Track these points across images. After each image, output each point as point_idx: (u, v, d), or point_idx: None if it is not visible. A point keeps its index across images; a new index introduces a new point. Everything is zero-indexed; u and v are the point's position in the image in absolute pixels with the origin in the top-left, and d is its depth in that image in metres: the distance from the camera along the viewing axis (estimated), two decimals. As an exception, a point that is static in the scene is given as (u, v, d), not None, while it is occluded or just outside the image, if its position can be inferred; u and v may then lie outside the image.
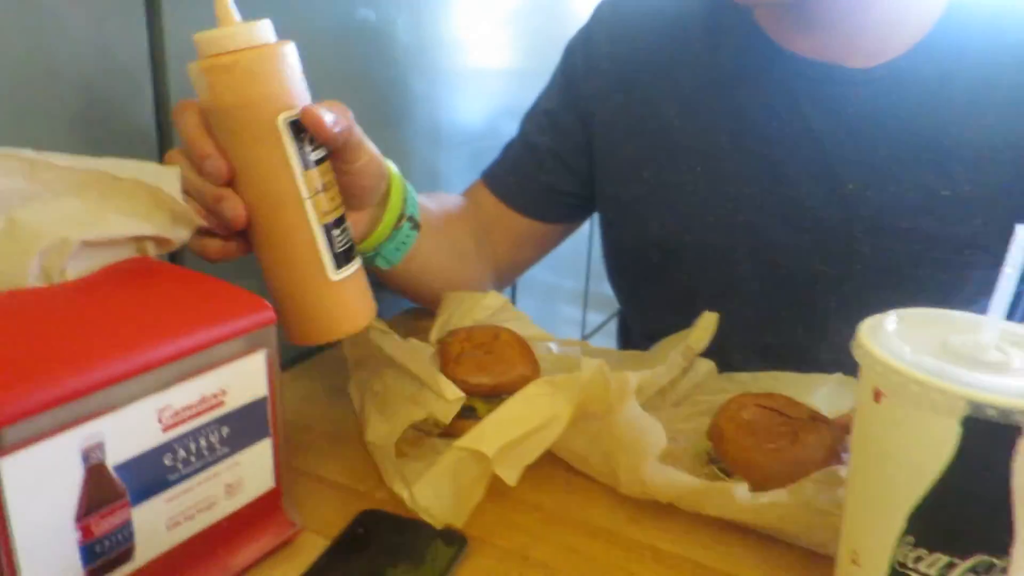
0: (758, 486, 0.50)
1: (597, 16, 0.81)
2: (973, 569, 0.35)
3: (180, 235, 0.44)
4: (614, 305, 0.93)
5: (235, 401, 0.42)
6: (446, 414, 0.51)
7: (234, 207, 0.48)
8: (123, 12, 0.54)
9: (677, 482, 0.48)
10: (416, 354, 0.55)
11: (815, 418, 0.54)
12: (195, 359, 0.39)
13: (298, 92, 0.48)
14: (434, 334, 0.68)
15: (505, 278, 0.86)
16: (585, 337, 1.49)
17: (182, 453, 0.39)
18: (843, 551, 0.41)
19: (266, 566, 0.45)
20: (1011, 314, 0.43)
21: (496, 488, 0.49)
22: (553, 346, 0.72)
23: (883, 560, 0.37)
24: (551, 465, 0.54)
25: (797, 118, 0.68)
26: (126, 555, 0.38)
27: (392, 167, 0.62)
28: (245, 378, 0.42)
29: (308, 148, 0.48)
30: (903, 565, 0.36)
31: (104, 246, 0.41)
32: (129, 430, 0.36)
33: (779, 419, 0.53)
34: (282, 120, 0.47)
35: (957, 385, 0.34)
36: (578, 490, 0.54)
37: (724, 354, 0.67)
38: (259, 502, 0.44)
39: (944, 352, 0.37)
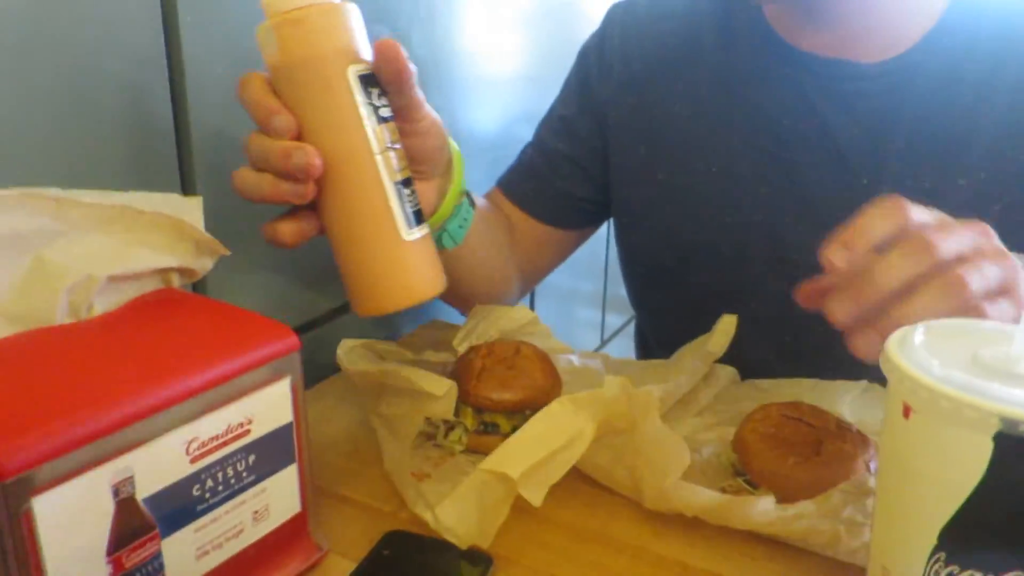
0: (785, 498, 0.50)
1: (609, 19, 0.81)
2: (1008, 586, 0.35)
3: (204, 265, 0.45)
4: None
5: (261, 429, 0.42)
6: (445, 409, 0.51)
7: (307, 154, 0.46)
8: (140, 29, 0.55)
9: (701, 498, 0.48)
10: (401, 367, 0.55)
11: (841, 427, 0.53)
12: (221, 390, 0.39)
13: (366, 49, 0.48)
14: (459, 342, 0.68)
15: (527, 283, 0.86)
16: (604, 340, 1.49)
17: (210, 483, 0.39)
18: (874, 565, 0.40)
19: (294, 590, 0.45)
20: None
21: (520, 505, 0.49)
22: (574, 359, 0.72)
23: (915, 576, 0.37)
24: (575, 480, 0.54)
25: (810, 115, 0.68)
26: (158, 586, 0.38)
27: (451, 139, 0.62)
28: (271, 405, 0.42)
29: (378, 103, 0.48)
30: (936, 582, 0.36)
31: (130, 279, 0.41)
32: (158, 463, 0.37)
33: (804, 429, 0.53)
34: (352, 72, 0.47)
35: (989, 400, 0.33)
36: (602, 505, 0.54)
37: (742, 355, 0.67)
38: (286, 527, 0.45)
39: (974, 365, 0.36)
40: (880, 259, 0.45)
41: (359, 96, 0.47)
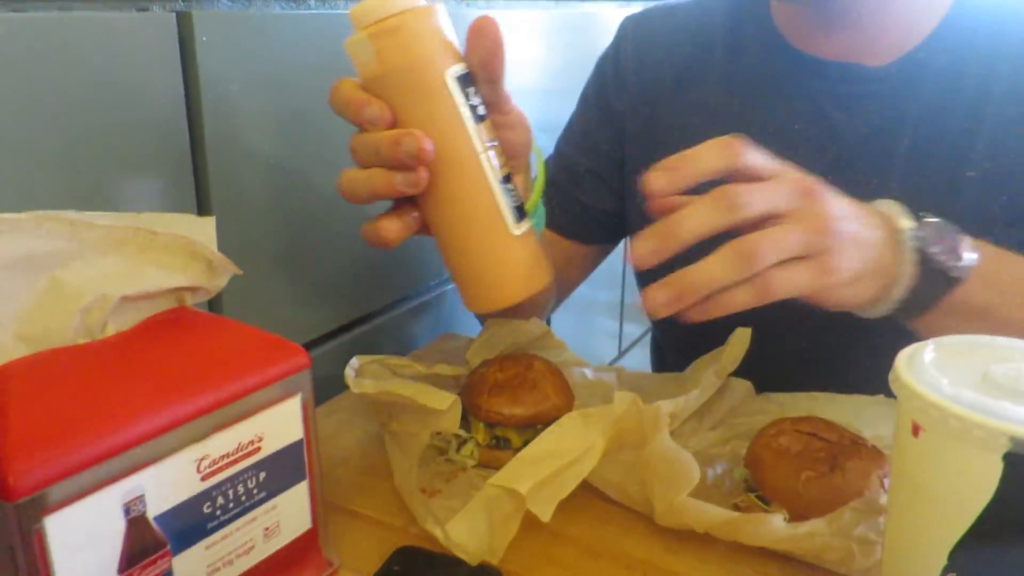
0: (798, 515, 0.49)
1: (622, 33, 0.82)
2: (1020, 608, 0.34)
3: (217, 284, 0.45)
4: (650, 318, 0.93)
5: (272, 446, 0.42)
6: (450, 423, 0.51)
7: (417, 139, 0.46)
8: (156, 49, 0.56)
9: (711, 514, 0.47)
10: (405, 384, 0.55)
11: (856, 442, 0.53)
12: (232, 408, 0.40)
13: (456, 49, 0.48)
14: (473, 355, 0.68)
15: (557, 299, 0.86)
16: (622, 351, 1.49)
17: (220, 500, 0.40)
18: (886, 584, 0.40)
19: (306, 606, 0.45)
20: None
21: (531, 521, 0.49)
22: (588, 372, 0.72)
23: (926, 596, 0.36)
24: (586, 495, 0.54)
25: (818, 119, 0.69)
26: (169, 603, 0.38)
27: None
28: (281, 423, 0.43)
29: (474, 101, 0.48)
30: (947, 602, 0.36)
31: (144, 299, 0.42)
32: (169, 481, 0.37)
33: (818, 444, 0.53)
34: (451, 75, 0.47)
35: (998, 420, 0.33)
36: (613, 520, 0.54)
37: (758, 364, 0.66)
38: (297, 543, 0.45)
39: (985, 383, 0.36)
40: (685, 206, 0.45)
41: (459, 98, 0.48)
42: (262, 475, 0.42)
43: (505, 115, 0.53)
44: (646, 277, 0.84)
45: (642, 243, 0.46)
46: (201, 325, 0.44)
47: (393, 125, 0.48)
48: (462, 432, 0.58)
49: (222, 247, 0.62)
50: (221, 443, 0.39)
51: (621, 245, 0.97)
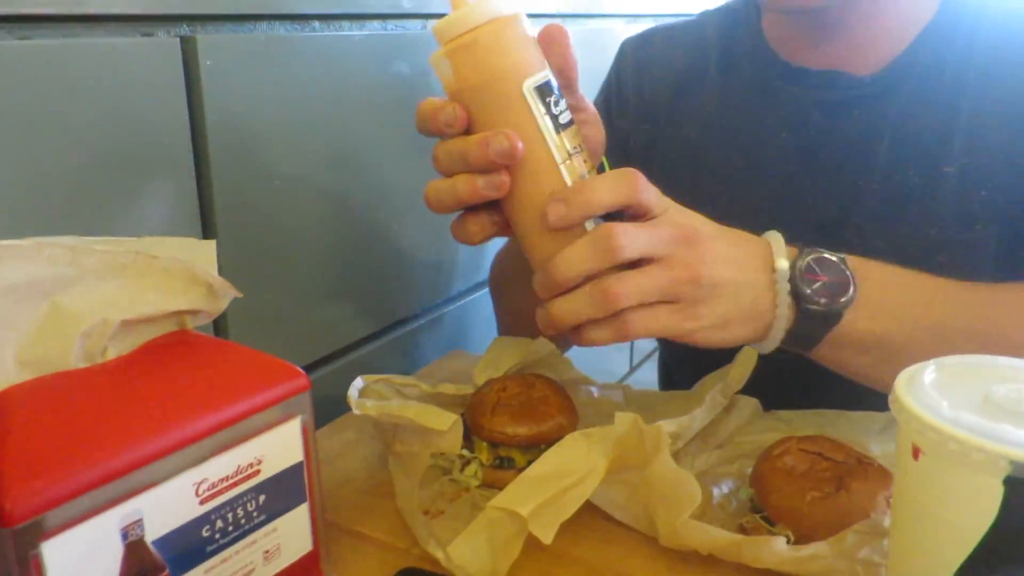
0: (803, 536, 0.49)
1: (622, 54, 0.85)
2: (1024, 634, 0.33)
3: (218, 307, 0.46)
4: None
5: (271, 468, 0.42)
6: (451, 444, 0.51)
7: (507, 136, 0.46)
8: (160, 72, 0.56)
9: (713, 536, 0.47)
10: (406, 405, 0.55)
11: (862, 462, 0.52)
12: (231, 431, 0.40)
13: (537, 57, 0.48)
14: (479, 373, 0.68)
15: None
16: (634, 365, 1.48)
17: (220, 524, 0.40)
18: (890, 608, 0.39)
19: (307, 629, 0.45)
20: None
21: (535, 542, 0.48)
22: (595, 390, 0.72)
23: (930, 621, 0.36)
24: (590, 516, 0.54)
25: (806, 126, 0.70)
26: (168, 627, 0.38)
27: None
28: (281, 445, 0.43)
29: (556, 110, 0.48)
30: (950, 627, 0.35)
31: (144, 323, 0.43)
32: (167, 505, 0.37)
33: (824, 464, 0.52)
34: (527, 87, 0.47)
35: (998, 443, 0.32)
36: (616, 540, 0.53)
37: (763, 381, 0.66)
38: (297, 566, 0.45)
39: (986, 405, 0.36)
40: (567, 247, 0.47)
41: (537, 109, 0.47)
42: (262, 498, 0.42)
43: (583, 112, 0.55)
44: None
45: (536, 278, 0.49)
46: (201, 348, 0.44)
47: (467, 127, 0.48)
48: (465, 452, 0.58)
49: (227, 269, 0.63)
50: (220, 466, 0.40)
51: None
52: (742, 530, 0.52)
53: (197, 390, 0.41)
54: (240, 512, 0.41)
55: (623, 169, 0.48)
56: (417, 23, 0.81)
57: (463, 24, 0.46)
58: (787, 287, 0.51)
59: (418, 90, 0.79)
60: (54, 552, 0.33)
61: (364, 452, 0.64)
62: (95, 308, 0.40)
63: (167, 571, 0.38)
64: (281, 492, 0.43)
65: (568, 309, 0.47)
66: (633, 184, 0.47)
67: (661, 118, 0.78)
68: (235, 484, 0.41)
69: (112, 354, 0.41)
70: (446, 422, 0.51)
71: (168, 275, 0.43)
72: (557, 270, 0.47)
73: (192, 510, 0.39)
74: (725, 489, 0.58)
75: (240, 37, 0.62)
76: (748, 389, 0.65)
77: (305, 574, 0.46)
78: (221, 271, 0.62)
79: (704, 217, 0.52)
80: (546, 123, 0.47)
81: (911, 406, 0.35)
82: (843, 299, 0.51)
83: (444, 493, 0.57)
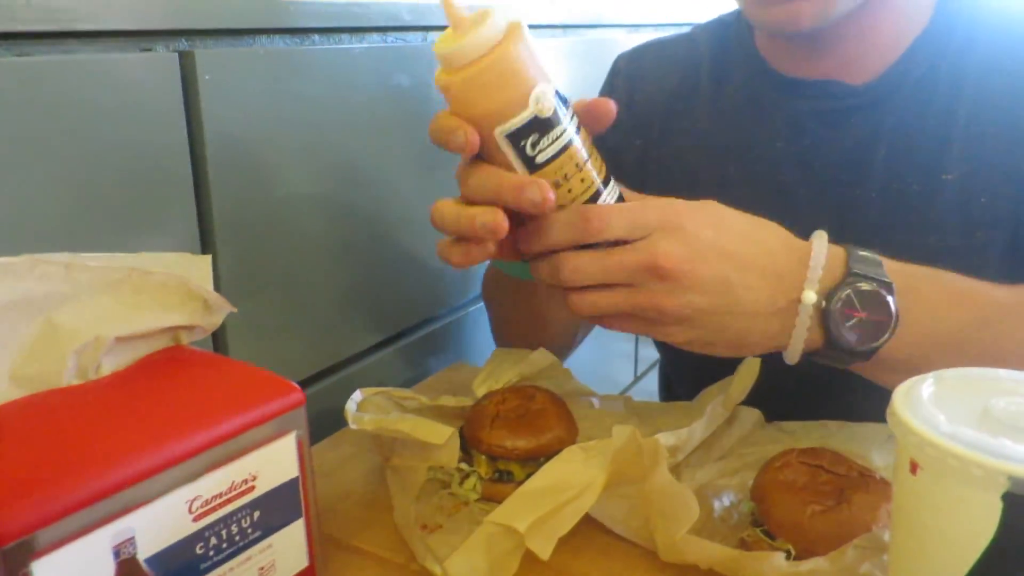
0: (804, 550, 0.48)
1: (614, 70, 0.85)
2: (1025, 652, 0.33)
3: (213, 322, 0.46)
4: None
5: (266, 484, 0.42)
6: (448, 458, 0.51)
7: (538, 190, 0.46)
8: (159, 88, 0.57)
9: (712, 551, 0.46)
10: (403, 419, 0.55)
11: (864, 475, 0.52)
12: (225, 447, 0.40)
13: (518, 95, 0.46)
14: (479, 385, 0.68)
15: (574, 341, 0.85)
16: (638, 374, 1.47)
17: (214, 541, 0.40)
18: (891, 625, 0.39)
19: (303, 646, 0.45)
20: None
21: (533, 556, 0.48)
22: (595, 401, 0.71)
23: (929, 638, 0.35)
24: (589, 529, 0.53)
25: (801, 136, 0.70)
26: (162, 645, 0.38)
27: None
28: (276, 461, 0.43)
29: (533, 152, 0.47)
30: (950, 645, 0.35)
31: (139, 339, 0.43)
32: (160, 523, 0.37)
33: (824, 477, 0.52)
34: (499, 133, 0.46)
35: (996, 459, 0.32)
36: (616, 555, 0.53)
37: (765, 392, 0.65)
38: (294, 582, 0.45)
39: (985, 419, 0.35)
40: (575, 256, 0.48)
41: (510, 153, 0.47)
42: (256, 514, 0.42)
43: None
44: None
45: (541, 267, 0.50)
46: (196, 364, 0.44)
47: (477, 151, 0.48)
48: (464, 466, 0.58)
49: (227, 282, 0.63)
50: (213, 483, 0.39)
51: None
52: (743, 544, 0.52)
53: (191, 406, 0.41)
54: (234, 528, 0.41)
55: (578, 207, 0.48)
56: (417, 35, 0.81)
57: (448, 61, 0.46)
58: (808, 322, 0.49)
59: (419, 102, 0.80)
60: (45, 571, 0.33)
61: (363, 465, 0.63)
62: (89, 325, 0.40)
63: (160, 589, 0.38)
64: (276, 508, 0.43)
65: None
66: (591, 223, 0.47)
67: (654, 133, 0.78)
68: (229, 500, 0.40)
69: (107, 370, 0.41)
70: (442, 435, 0.50)
71: (163, 291, 0.43)
72: (566, 275, 0.49)
73: (185, 527, 0.38)
74: (727, 501, 0.58)
75: (239, 51, 0.63)
76: (750, 400, 0.64)
77: (301, 590, 0.45)
78: (221, 284, 0.63)
79: (723, 229, 0.50)
80: (519, 166, 0.47)
81: (908, 421, 0.35)
82: (879, 340, 0.49)
83: (443, 507, 0.57)
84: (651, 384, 1.48)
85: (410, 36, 0.80)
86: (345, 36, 0.73)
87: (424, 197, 0.82)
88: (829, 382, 0.71)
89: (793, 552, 0.48)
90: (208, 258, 0.46)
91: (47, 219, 0.52)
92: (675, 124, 0.77)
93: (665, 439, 0.51)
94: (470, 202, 0.48)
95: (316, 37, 0.70)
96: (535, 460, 0.57)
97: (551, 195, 0.46)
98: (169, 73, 0.57)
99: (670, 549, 0.49)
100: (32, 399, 0.38)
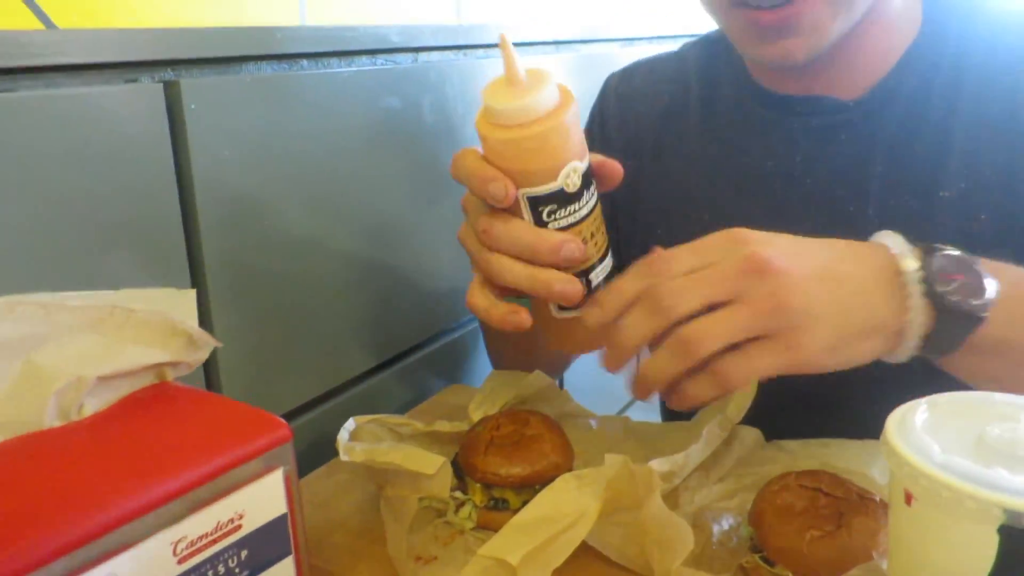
0: (804, 576, 0.47)
1: (605, 90, 0.85)
2: None
3: (198, 357, 0.45)
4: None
5: (253, 523, 0.42)
6: (439, 488, 0.51)
7: (576, 248, 0.48)
8: (144, 118, 0.56)
9: (710, 582, 0.46)
10: (394, 449, 0.55)
11: (863, 497, 0.51)
12: (210, 487, 0.39)
13: (548, 166, 0.48)
14: (475, 409, 0.67)
15: (571, 358, 0.85)
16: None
17: (199, 583, 0.39)
18: (891, 657, 0.38)
19: None
20: None
21: (529, 588, 0.47)
22: (593, 423, 0.71)
23: (929, 676, 0.34)
24: (585, 557, 0.52)
25: (793, 153, 0.70)
26: None
27: None
28: (263, 498, 0.42)
29: (548, 219, 0.49)
30: None
31: (122, 377, 0.42)
32: (144, 566, 0.36)
33: (823, 500, 0.51)
34: (522, 194, 0.48)
35: (990, 491, 0.31)
36: (615, 584, 0.52)
37: (765, 410, 0.65)
38: (284, 620, 0.44)
39: (979, 448, 0.34)
40: (621, 321, 0.46)
41: (527, 213, 0.49)
42: (244, 553, 0.41)
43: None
44: None
45: (605, 361, 0.48)
46: (180, 401, 0.44)
47: (513, 204, 0.49)
48: (459, 494, 0.57)
49: (219, 314, 0.62)
50: (199, 524, 0.39)
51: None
52: (742, 571, 0.51)
53: (174, 445, 0.40)
54: (221, 569, 0.40)
55: (644, 261, 0.47)
56: (407, 56, 0.81)
57: (497, 115, 0.47)
58: (920, 288, 0.46)
59: (410, 123, 0.79)
60: (23, 622, 0.32)
61: (357, 495, 0.63)
62: (70, 365, 0.39)
63: (144, 634, 0.37)
64: (265, 546, 0.42)
65: (655, 368, 0.45)
66: (659, 263, 0.46)
67: (646, 153, 0.78)
68: (215, 541, 0.40)
69: (89, 411, 0.41)
70: (433, 465, 0.50)
71: (147, 328, 0.43)
72: (622, 344, 0.46)
73: (170, 570, 0.38)
74: (725, 525, 0.57)
75: (226, 79, 0.62)
76: (749, 418, 0.64)
77: (292, 628, 0.45)
78: (212, 316, 0.62)
79: (790, 236, 0.48)
80: (531, 223, 0.49)
81: (902, 450, 0.34)
82: (981, 300, 0.47)
83: (438, 536, 0.56)
84: (653, 398, 1.47)
85: (400, 58, 0.79)
86: (334, 60, 0.73)
87: (417, 220, 0.82)
88: (828, 398, 0.70)
89: (792, 579, 0.48)
90: (192, 292, 0.45)
91: (32, 256, 0.51)
92: (667, 143, 0.77)
93: (660, 465, 0.50)
94: (494, 249, 0.50)
95: (304, 62, 0.70)
96: (531, 487, 0.56)
97: (584, 246, 0.49)
98: (154, 104, 0.57)
99: (667, 577, 0.48)
100: (11, 443, 0.38)
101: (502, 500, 0.57)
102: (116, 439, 0.40)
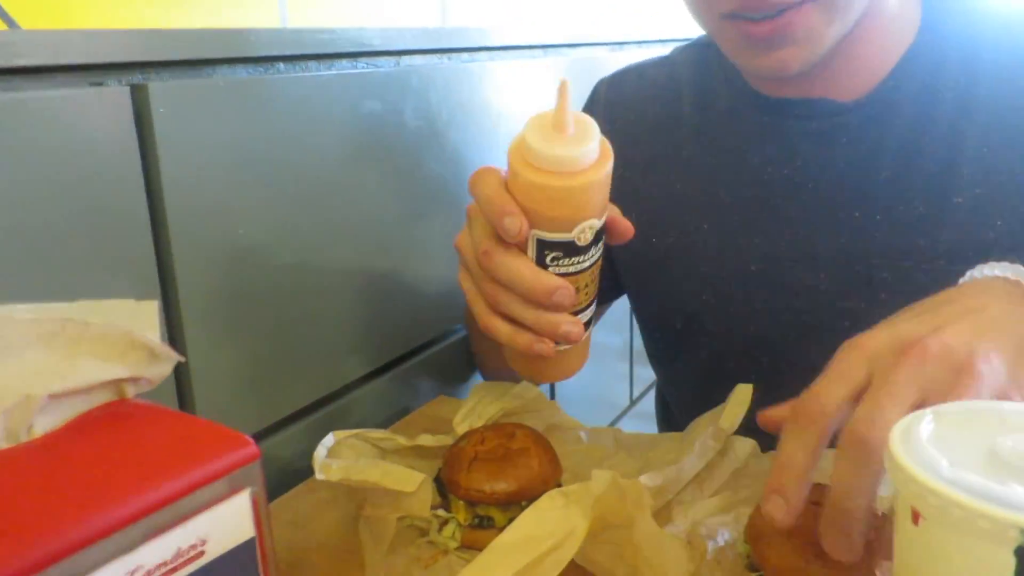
0: (804, 597, 0.45)
1: (594, 95, 0.83)
2: None
3: (160, 372, 0.42)
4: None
5: (218, 548, 0.39)
6: (420, 507, 0.49)
7: (570, 294, 0.50)
8: (113, 139, 0.54)
9: (705, 606, 0.43)
10: (371, 465, 0.53)
11: (865, 511, 0.48)
12: (168, 511, 0.37)
13: (567, 218, 0.49)
14: (460, 422, 0.65)
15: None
16: (634, 397, 1.44)
17: (158, 615, 0.36)
18: None
19: None
20: None
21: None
22: (584, 435, 0.68)
23: None
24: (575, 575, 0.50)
25: (792, 158, 0.68)
26: None
27: None
28: (228, 522, 0.40)
29: (550, 264, 0.51)
30: None
31: (77, 395, 0.39)
32: (95, 599, 0.34)
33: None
34: (533, 235, 0.50)
35: (1006, 509, 0.29)
36: (606, 606, 0.49)
37: (755, 416, 0.63)
38: (253, 651, 0.41)
39: (991, 461, 0.32)
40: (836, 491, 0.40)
41: (531, 252, 0.51)
42: (207, 581, 0.39)
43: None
44: (652, 338, 0.82)
45: (834, 550, 0.42)
46: (139, 419, 0.41)
47: (524, 240, 0.50)
48: (442, 512, 0.55)
49: (191, 328, 0.60)
50: (156, 551, 0.36)
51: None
52: (738, 591, 0.49)
53: (130, 466, 0.37)
54: (182, 599, 0.38)
55: (797, 429, 0.43)
56: (389, 60, 0.79)
57: (533, 155, 0.48)
58: None
59: (391, 129, 0.77)
60: (-44, 665, 0.30)
61: (338, 513, 0.60)
62: (18, 382, 0.37)
63: (96, 672, 0.34)
64: (230, 573, 0.40)
65: (843, 486, 0.40)
66: (811, 427, 0.42)
67: (635, 160, 0.76)
68: (175, 569, 0.37)
69: (39, 431, 0.38)
70: (413, 482, 0.47)
71: (104, 341, 0.40)
72: (844, 507, 0.40)
73: (124, 603, 0.35)
74: (721, 541, 0.55)
75: (197, 83, 0.60)
76: (744, 429, 0.61)
77: (261, 660, 0.42)
78: (184, 328, 0.60)
79: (933, 307, 0.45)
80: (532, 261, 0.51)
81: (907, 466, 0.32)
82: None
83: (420, 558, 0.54)
84: (648, 406, 1.45)
85: (381, 61, 0.77)
86: (312, 64, 0.70)
87: (398, 229, 0.80)
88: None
89: (790, 601, 0.45)
90: (154, 304, 0.43)
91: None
92: (660, 152, 0.75)
93: (651, 480, 0.48)
94: (487, 271, 0.51)
95: (281, 65, 0.68)
96: (517, 504, 0.54)
97: (575, 290, 0.51)
98: (121, 109, 0.54)
99: (660, 600, 0.46)
100: (-49, 468, 0.35)
101: (487, 518, 0.54)
102: (67, 460, 0.37)
